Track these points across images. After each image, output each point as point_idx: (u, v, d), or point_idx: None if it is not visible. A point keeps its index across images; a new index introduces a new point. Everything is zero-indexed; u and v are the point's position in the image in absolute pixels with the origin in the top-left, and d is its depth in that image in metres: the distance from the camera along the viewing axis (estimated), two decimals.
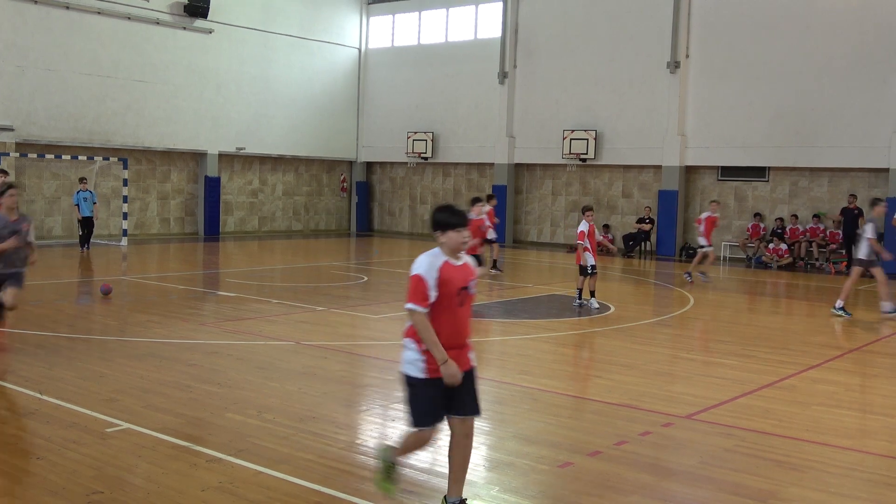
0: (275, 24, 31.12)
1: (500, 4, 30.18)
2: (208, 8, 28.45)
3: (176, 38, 28.21)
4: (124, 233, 25.75)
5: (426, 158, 32.24)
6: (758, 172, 25.88)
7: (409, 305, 5.05)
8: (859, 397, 8.99)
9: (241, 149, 30.47)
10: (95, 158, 25.91)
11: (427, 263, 5.11)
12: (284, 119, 31.75)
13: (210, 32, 28.99)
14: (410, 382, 5.18)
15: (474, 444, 6.80)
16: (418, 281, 5.06)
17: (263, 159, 31.94)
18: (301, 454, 6.50)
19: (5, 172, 13.66)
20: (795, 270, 23.60)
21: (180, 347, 10.70)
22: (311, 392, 8.44)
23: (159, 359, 9.80)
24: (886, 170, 23.22)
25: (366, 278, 19.05)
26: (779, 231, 24.67)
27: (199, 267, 21.39)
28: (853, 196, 23.46)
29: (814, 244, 24.13)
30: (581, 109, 28.37)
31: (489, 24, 30.89)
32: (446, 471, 6.12)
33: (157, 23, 27.66)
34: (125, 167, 26.15)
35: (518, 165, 30.48)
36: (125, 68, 26.99)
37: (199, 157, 29.74)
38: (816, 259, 24.14)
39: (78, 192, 23.07)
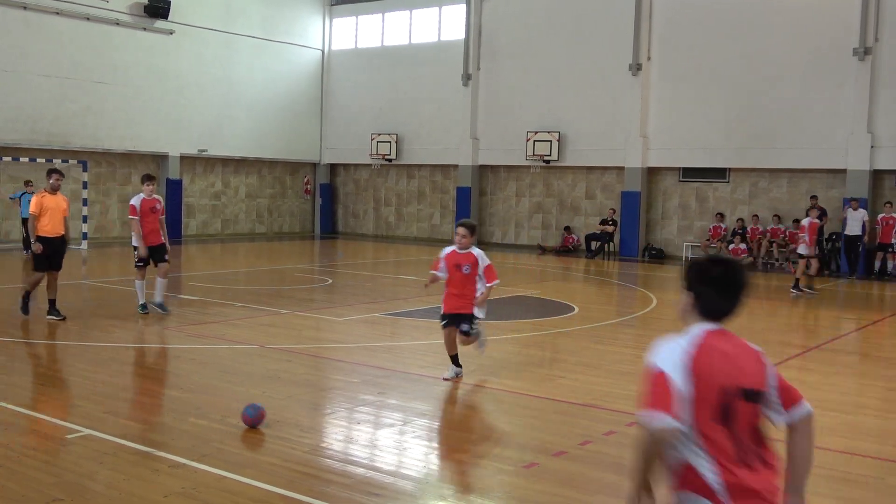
0: (237, 26, 30.91)
1: (464, 6, 30.24)
2: (168, 9, 28.18)
3: (136, 39, 27.90)
4: (84, 236, 25.41)
5: (390, 160, 32.20)
6: (718, 174, 26.19)
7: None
8: (818, 395, 9.12)
9: (204, 151, 30.21)
10: (54, 161, 25.53)
11: None
12: (247, 121, 31.53)
13: (171, 33, 28.71)
14: None
15: (439, 447, 6.80)
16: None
17: (226, 161, 31.69)
18: (265, 458, 6.46)
19: (60, 173, 13.36)
20: (755, 270, 23.90)
21: (142, 352, 10.59)
22: (275, 396, 8.39)
23: (121, 364, 9.68)
24: (844, 170, 23.61)
25: (330, 281, 18.98)
26: (739, 231, 24.98)
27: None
28: (814, 197, 23.73)
29: (774, 244, 24.46)
30: (544, 111, 28.50)
31: (452, 26, 30.93)
32: (412, 473, 6.12)
33: (117, 23, 27.34)
34: (85, 170, 25.81)
35: (482, 167, 30.55)
36: (84, 69, 26.64)
37: (160, 159, 29.43)
38: (776, 259, 24.46)
39: (23, 194, 22.86)
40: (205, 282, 17.67)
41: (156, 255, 12.98)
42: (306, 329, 12.54)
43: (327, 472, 6.23)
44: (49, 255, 12.39)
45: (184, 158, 29.92)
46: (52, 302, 12.41)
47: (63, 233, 12.62)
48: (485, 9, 29.87)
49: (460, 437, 7.31)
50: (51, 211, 12.44)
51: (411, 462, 6.46)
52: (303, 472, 6.18)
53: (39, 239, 12.29)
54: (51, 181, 12.60)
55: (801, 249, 18.21)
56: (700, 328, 3.22)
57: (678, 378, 3.07)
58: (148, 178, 13.24)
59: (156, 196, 13.16)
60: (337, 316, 13.65)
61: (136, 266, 12.99)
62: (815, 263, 18.46)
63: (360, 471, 6.28)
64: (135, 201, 12.93)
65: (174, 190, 29.43)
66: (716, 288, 3.21)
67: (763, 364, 3.21)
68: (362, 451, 6.81)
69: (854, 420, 8.26)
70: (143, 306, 12.97)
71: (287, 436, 7.06)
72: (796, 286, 18.18)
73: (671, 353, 3.14)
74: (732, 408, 3.10)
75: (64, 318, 12.28)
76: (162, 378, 9.05)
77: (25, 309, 12.49)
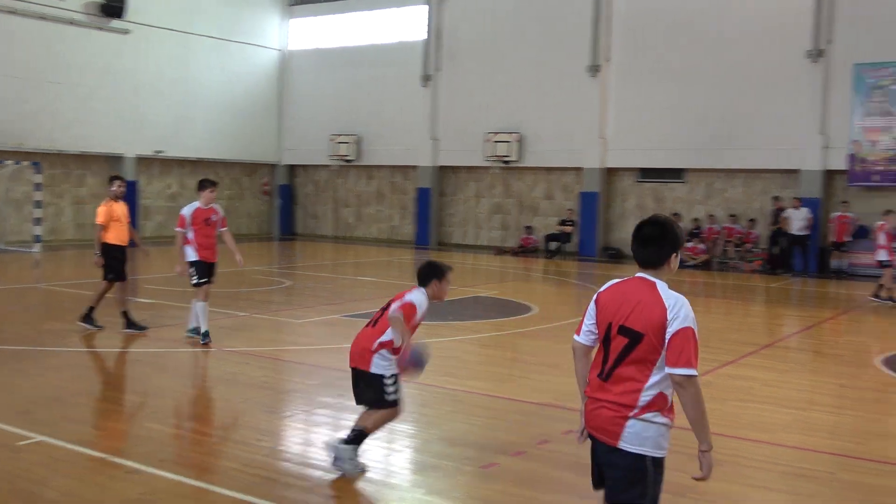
0: (194, 26, 30.60)
1: (423, 7, 30.24)
2: (124, 8, 27.81)
3: (91, 39, 27.51)
4: (37, 239, 24.98)
5: (350, 161, 32.10)
6: (675, 174, 26.47)
7: (693, 372, 3.91)
8: (773, 392, 9.27)
9: (160, 152, 29.87)
10: (7, 162, 25.09)
11: None
12: (205, 122, 31.23)
13: (126, 33, 28.35)
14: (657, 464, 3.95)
15: (398, 448, 6.81)
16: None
17: (183, 163, 31.35)
18: (224, 462, 6.41)
19: (123, 180, 12.44)
20: (711, 269, 24.18)
21: (98, 356, 10.44)
22: (233, 399, 8.33)
23: (76, 368, 9.54)
24: (798, 171, 23.99)
25: (289, 283, 18.87)
26: (695, 231, 25.26)
27: None
28: (776, 198, 24.14)
29: (729, 243, 24.78)
30: (504, 112, 28.59)
31: (413, 26, 30.90)
32: (372, 475, 6.09)
33: (72, 23, 26.94)
34: (38, 171, 25.38)
35: (442, 168, 30.57)
36: (38, 69, 26.20)
37: (115, 160, 29.02)
38: (731, 258, 24.77)
39: None
40: (161, 284, 17.46)
41: (210, 273, 11.23)
42: (264, 331, 12.45)
43: (286, 476, 6.20)
44: (120, 264, 11.81)
45: (140, 160, 29.55)
46: (125, 314, 11.78)
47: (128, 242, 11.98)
48: (445, 10, 29.90)
49: (420, 438, 7.31)
50: (120, 219, 11.81)
51: (371, 464, 6.44)
52: (261, 476, 6.14)
53: (111, 248, 11.67)
54: (113, 188, 11.84)
55: (882, 256, 17.03)
56: (635, 274, 4.02)
57: (591, 308, 4.10)
58: (209, 184, 11.23)
59: (213, 206, 11.22)
60: (296, 318, 13.58)
61: (194, 284, 11.13)
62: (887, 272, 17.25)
63: (319, 473, 6.25)
64: (186, 211, 11.08)
65: (129, 191, 29.03)
66: (635, 241, 4.02)
67: (659, 315, 3.83)
68: (321, 454, 6.77)
69: (808, 416, 8.40)
70: (206, 334, 10.99)
71: (245, 439, 7.01)
72: (877, 295, 17.15)
73: (600, 290, 4.10)
74: (609, 335, 3.95)
75: (145, 329, 11.71)
76: (118, 383, 8.94)
77: (91, 321, 11.72)
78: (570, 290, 20.05)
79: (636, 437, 3.85)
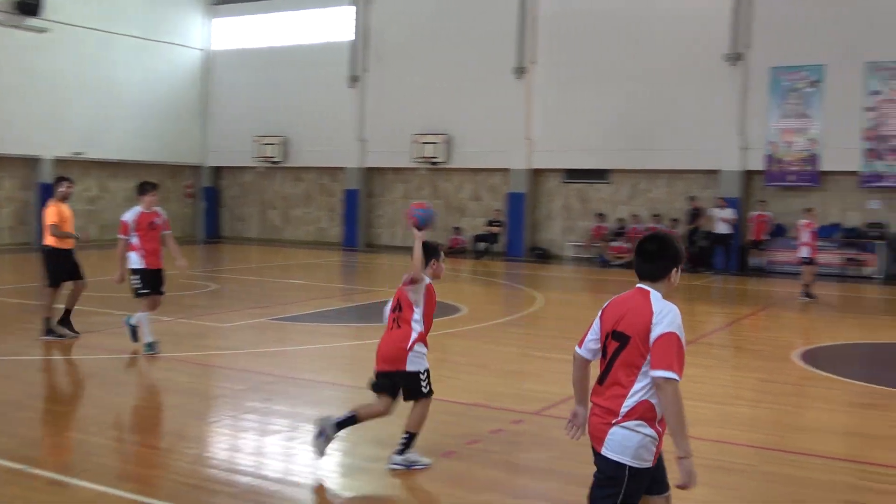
0: (115, 25, 29.90)
1: (351, 8, 30.11)
2: (40, 5, 27.01)
3: (7, 37, 26.65)
4: None
5: (277, 163, 31.77)
6: (600, 175, 26.87)
7: (672, 375, 3.89)
8: (697, 387, 9.46)
9: (80, 154, 29.12)
10: None
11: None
12: (127, 122, 30.53)
13: (44, 31, 27.55)
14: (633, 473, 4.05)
15: (328, 452, 6.77)
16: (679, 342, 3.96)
17: (103, 165, 30.61)
18: (148, 471, 6.29)
19: (71, 180, 12.01)
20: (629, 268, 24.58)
21: (16, 364, 10.13)
22: (159, 406, 8.18)
23: None
24: (718, 171, 24.59)
25: (214, 286, 18.59)
26: (620, 231, 25.70)
27: (33, 279, 20.29)
28: (692, 197, 24.75)
29: None
30: (431, 114, 28.64)
31: (340, 27, 30.74)
32: (301, 480, 6.04)
33: None
34: None
35: (370, 169, 30.47)
36: None
37: (32, 162, 28.20)
38: None
39: None
40: (86, 290, 17.02)
41: (156, 281, 10.79)
42: (190, 336, 12.24)
43: (212, 482, 6.11)
44: (69, 268, 11.63)
45: (58, 161, 28.75)
46: (48, 320, 11.42)
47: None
48: (372, 11, 29.82)
49: (349, 441, 7.28)
50: (67, 220, 11.52)
51: (299, 469, 6.40)
52: (187, 484, 6.04)
53: (59, 252, 11.46)
54: (61, 189, 11.52)
55: (805, 252, 17.42)
56: (636, 285, 4.14)
57: (595, 324, 4.19)
58: (151, 187, 10.84)
59: (155, 209, 10.86)
60: (222, 322, 13.39)
61: (137, 294, 10.67)
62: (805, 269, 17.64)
63: (247, 479, 6.18)
64: (128, 216, 10.70)
65: (47, 195, 28.11)
66: (636, 256, 4.17)
67: (646, 319, 3.95)
68: (248, 460, 6.70)
69: (730, 410, 8.61)
70: (151, 345, 10.41)
71: (172, 446, 6.89)
72: (808, 294, 17.37)
73: (605, 305, 4.19)
74: (606, 343, 4.10)
75: (64, 337, 11.36)
76: (37, 391, 8.69)
77: (69, 327, 11.50)
78: (498, 290, 20.19)
79: (618, 444, 3.99)
